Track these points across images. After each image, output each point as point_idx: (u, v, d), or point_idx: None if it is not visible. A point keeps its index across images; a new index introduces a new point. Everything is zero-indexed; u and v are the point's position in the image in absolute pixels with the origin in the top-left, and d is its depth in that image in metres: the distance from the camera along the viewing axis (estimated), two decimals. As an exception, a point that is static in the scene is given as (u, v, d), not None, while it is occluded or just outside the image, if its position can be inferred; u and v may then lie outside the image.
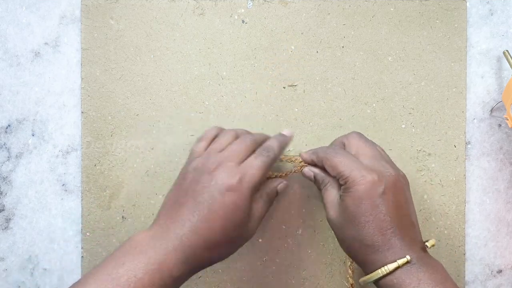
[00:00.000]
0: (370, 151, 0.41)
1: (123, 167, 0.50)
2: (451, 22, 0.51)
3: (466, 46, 0.51)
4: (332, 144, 0.45)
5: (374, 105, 0.50)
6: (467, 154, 0.51)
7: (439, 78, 0.50)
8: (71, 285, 0.36)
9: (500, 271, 0.51)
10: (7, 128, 0.50)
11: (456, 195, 0.50)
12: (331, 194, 0.41)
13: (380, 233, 0.37)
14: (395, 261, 0.36)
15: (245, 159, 0.39)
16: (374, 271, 0.37)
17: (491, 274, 0.51)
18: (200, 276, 0.49)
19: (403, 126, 0.50)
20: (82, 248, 0.49)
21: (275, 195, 0.43)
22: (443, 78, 0.50)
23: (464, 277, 0.50)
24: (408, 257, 0.36)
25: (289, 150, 0.50)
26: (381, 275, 0.36)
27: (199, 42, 0.50)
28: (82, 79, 0.50)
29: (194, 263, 0.37)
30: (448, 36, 0.51)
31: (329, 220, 0.40)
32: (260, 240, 0.50)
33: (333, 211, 0.40)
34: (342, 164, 0.39)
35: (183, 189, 0.39)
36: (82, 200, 0.50)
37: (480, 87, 0.51)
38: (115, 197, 0.50)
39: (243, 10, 0.50)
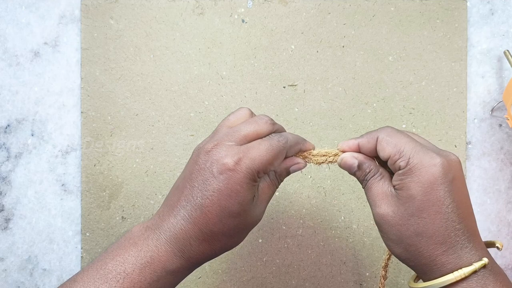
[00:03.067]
0: (424, 139, 0.35)
1: (123, 167, 0.49)
2: (452, 21, 0.50)
3: (466, 46, 0.50)
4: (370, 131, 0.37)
5: (374, 105, 0.50)
6: (467, 154, 0.51)
7: (439, 77, 0.50)
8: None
9: (501, 272, 0.50)
10: (6, 128, 0.50)
11: (457, 195, 0.50)
12: (383, 185, 0.33)
13: (453, 227, 0.30)
14: (471, 263, 0.30)
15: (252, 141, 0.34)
16: (442, 276, 0.31)
17: (492, 274, 0.50)
18: (200, 277, 0.49)
19: (404, 126, 0.50)
20: (81, 248, 0.49)
21: (286, 175, 0.37)
22: (444, 78, 0.50)
23: (465, 277, 0.50)
24: (485, 260, 0.30)
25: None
26: (454, 280, 0.30)
27: (199, 42, 0.50)
28: (81, 79, 0.50)
29: (191, 255, 0.33)
30: (449, 36, 0.50)
31: (380, 216, 0.33)
32: (260, 240, 0.50)
33: (387, 205, 0.32)
34: (404, 142, 0.32)
35: (184, 172, 0.35)
36: (81, 200, 0.49)
37: (481, 87, 0.51)
38: (115, 197, 0.49)
39: (243, 10, 0.50)
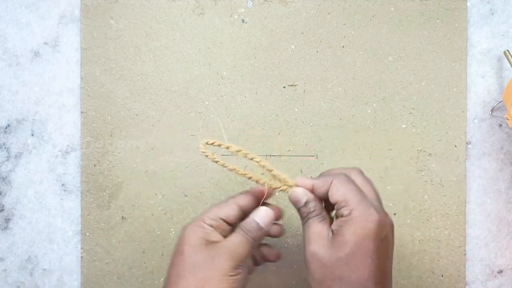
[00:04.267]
0: (373, 192, 0.38)
1: (123, 167, 0.49)
2: (452, 21, 0.50)
3: (466, 46, 0.50)
4: (329, 172, 0.40)
5: (374, 105, 0.50)
6: (467, 154, 0.51)
7: (439, 78, 0.50)
8: None
9: (500, 271, 0.51)
10: (6, 128, 0.50)
11: (457, 195, 0.50)
12: (321, 226, 0.36)
13: (374, 280, 0.33)
14: None
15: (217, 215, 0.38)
16: None
17: (492, 274, 0.50)
18: (200, 277, 0.49)
19: (404, 126, 0.50)
20: (81, 248, 0.49)
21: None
22: (444, 78, 0.50)
23: (465, 277, 0.50)
24: None
25: (289, 150, 0.50)
26: None
27: (199, 42, 0.50)
28: (81, 79, 0.50)
29: None
30: (449, 36, 0.50)
31: (312, 254, 0.35)
32: (260, 240, 0.50)
33: (320, 245, 0.35)
34: (352, 192, 0.35)
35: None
36: (81, 200, 0.49)
37: (481, 87, 0.51)
38: (115, 197, 0.49)
39: (243, 10, 0.50)
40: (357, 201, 0.35)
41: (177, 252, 0.36)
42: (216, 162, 0.37)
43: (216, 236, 0.37)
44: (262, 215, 0.38)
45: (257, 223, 0.37)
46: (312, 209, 0.37)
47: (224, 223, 0.38)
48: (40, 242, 0.50)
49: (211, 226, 0.37)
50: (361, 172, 0.39)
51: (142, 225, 0.49)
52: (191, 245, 0.36)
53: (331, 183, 0.36)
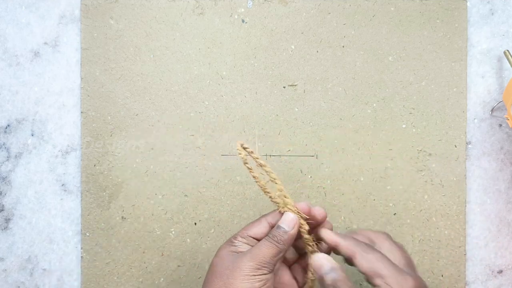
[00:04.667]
0: (403, 257, 0.38)
1: (123, 167, 0.49)
2: (452, 21, 0.50)
3: (466, 46, 0.50)
4: (355, 234, 0.40)
5: (374, 105, 0.50)
6: (467, 154, 0.51)
7: (439, 78, 0.50)
8: None
9: (500, 271, 0.51)
10: (6, 128, 0.50)
11: (457, 195, 0.50)
12: None
13: None
14: None
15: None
16: None
17: (492, 274, 0.50)
18: (200, 277, 0.49)
19: (404, 126, 0.50)
20: (81, 248, 0.49)
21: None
22: (444, 78, 0.50)
23: (465, 277, 0.50)
24: None
25: (289, 150, 0.50)
26: None
27: (199, 42, 0.50)
28: (81, 79, 0.50)
29: None
30: (449, 36, 0.50)
31: None
32: (260, 241, 0.50)
33: None
34: (381, 262, 0.35)
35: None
36: (81, 200, 0.49)
37: (481, 87, 0.51)
38: (115, 197, 0.49)
39: (243, 10, 0.50)
40: (388, 270, 0.35)
41: (209, 268, 0.38)
42: (245, 163, 0.38)
43: (245, 248, 0.38)
44: (287, 220, 0.38)
45: (282, 228, 0.38)
46: (338, 277, 0.36)
47: (254, 240, 0.39)
48: (40, 242, 0.50)
49: (240, 242, 0.39)
50: (389, 237, 0.39)
51: (142, 225, 0.49)
52: (220, 257, 0.38)
53: (357, 254, 0.36)
